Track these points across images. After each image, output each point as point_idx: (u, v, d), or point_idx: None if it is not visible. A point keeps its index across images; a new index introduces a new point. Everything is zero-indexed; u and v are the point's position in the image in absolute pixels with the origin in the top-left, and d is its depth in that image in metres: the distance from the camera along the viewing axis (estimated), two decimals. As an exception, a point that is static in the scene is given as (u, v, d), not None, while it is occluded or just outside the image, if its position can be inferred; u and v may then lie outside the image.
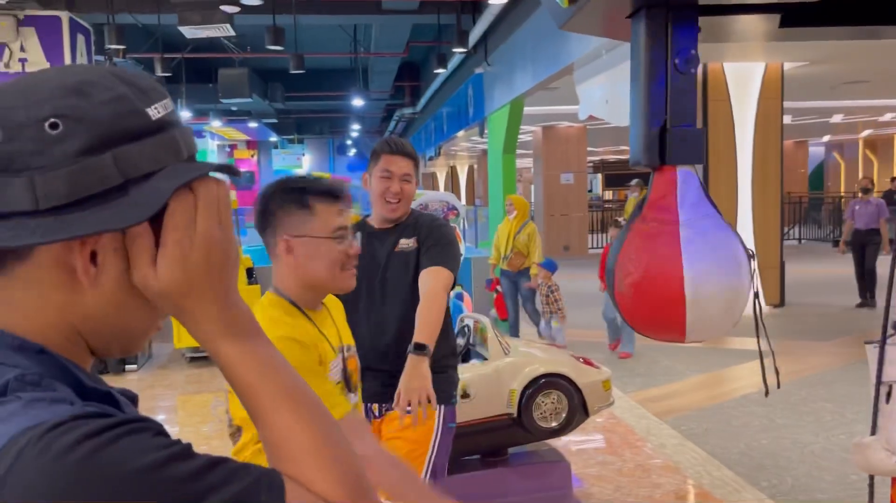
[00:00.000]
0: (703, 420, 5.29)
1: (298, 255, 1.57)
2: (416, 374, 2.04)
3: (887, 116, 16.79)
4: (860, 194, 9.97)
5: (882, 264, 9.47)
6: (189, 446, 0.60)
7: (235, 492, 0.59)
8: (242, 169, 25.74)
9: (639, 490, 3.97)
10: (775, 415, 5.34)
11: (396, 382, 2.16)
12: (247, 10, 7.72)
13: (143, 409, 0.66)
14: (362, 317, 2.37)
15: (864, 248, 9.57)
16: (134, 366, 6.94)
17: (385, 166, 2.33)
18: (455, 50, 9.71)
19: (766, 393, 1.69)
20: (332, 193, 1.59)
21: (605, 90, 6.38)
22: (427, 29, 12.10)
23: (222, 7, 7.15)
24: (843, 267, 9.88)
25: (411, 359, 2.08)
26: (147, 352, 7.33)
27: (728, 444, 4.78)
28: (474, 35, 9.88)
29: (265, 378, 0.69)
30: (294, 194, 1.58)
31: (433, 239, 2.37)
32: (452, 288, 2.41)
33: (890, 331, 1.82)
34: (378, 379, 2.34)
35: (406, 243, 2.38)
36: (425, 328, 2.15)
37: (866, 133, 22.02)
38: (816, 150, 27.24)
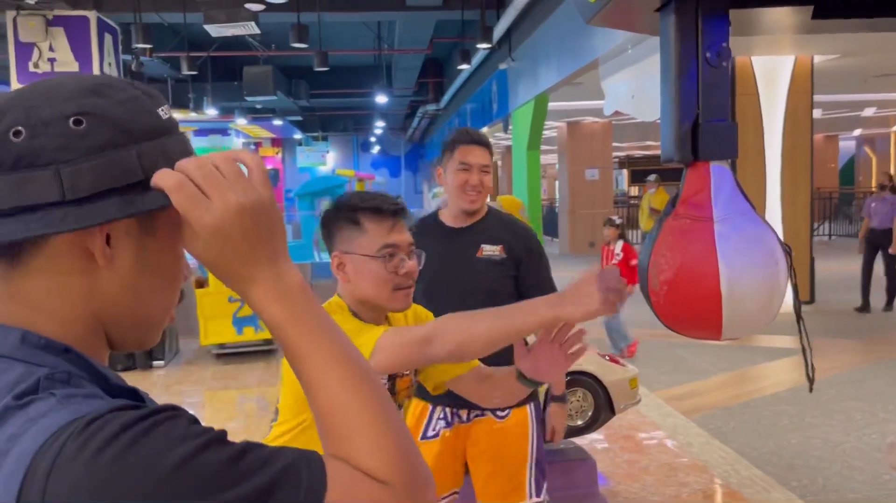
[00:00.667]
0: (730, 418, 5.23)
1: (349, 272, 1.58)
2: (565, 420, 2.68)
3: (920, 110, 16.45)
4: (877, 190, 9.49)
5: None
6: (224, 432, 0.61)
7: (273, 475, 0.59)
8: (267, 167, 25.88)
9: (665, 489, 3.93)
10: (805, 413, 5.27)
11: None
12: (271, 7, 7.76)
13: (171, 406, 0.66)
14: None
15: (878, 248, 8.97)
16: (161, 362, 7.03)
17: (462, 158, 2.25)
18: (479, 46, 9.66)
19: (811, 388, 1.66)
20: (381, 210, 1.57)
21: (630, 85, 6.33)
22: (451, 25, 12.08)
23: (247, 5, 7.20)
24: (874, 263, 9.65)
25: (562, 408, 2.67)
26: (174, 349, 7.42)
27: (757, 443, 4.72)
28: (498, 30, 9.83)
29: (314, 344, 0.69)
30: (346, 211, 1.59)
31: (537, 265, 2.33)
32: None
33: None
34: None
35: (491, 250, 2.29)
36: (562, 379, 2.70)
37: (898, 127, 21.60)
38: (847, 145, 26.77)
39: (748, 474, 4.10)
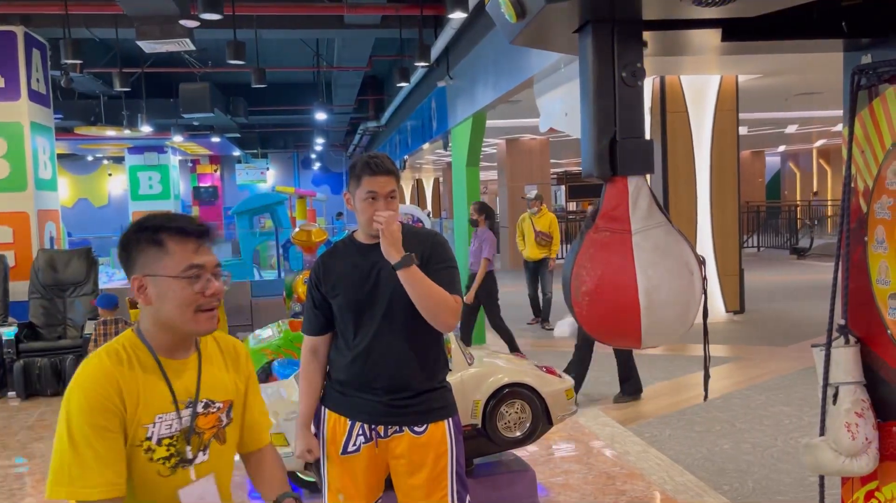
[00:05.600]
0: (666, 426, 5.36)
1: (150, 295, 1.55)
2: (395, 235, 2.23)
3: (840, 126, 17.23)
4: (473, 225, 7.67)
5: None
6: None
7: None
8: (205, 184, 25.43)
9: (604, 498, 4.00)
10: (736, 419, 5.44)
11: (402, 402, 2.30)
12: (207, 24, 7.66)
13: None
14: (360, 335, 2.34)
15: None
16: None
17: (369, 188, 2.31)
18: (417, 64, 9.74)
19: (706, 397, 1.74)
20: (186, 231, 1.56)
21: (564, 103, 6.47)
22: (389, 43, 12.14)
23: (181, 21, 7.08)
24: (801, 274, 10.05)
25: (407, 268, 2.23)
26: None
27: (691, 450, 4.85)
28: (436, 49, 9.94)
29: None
30: (148, 232, 1.56)
31: (440, 264, 2.36)
32: None
33: (835, 334, 1.88)
34: (380, 398, 2.33)
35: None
36: (427, 285, 2.25)
37: (820, 143, 22.62)
38: (773, 160, 27.91)
39: (682, 480, 4.22)
